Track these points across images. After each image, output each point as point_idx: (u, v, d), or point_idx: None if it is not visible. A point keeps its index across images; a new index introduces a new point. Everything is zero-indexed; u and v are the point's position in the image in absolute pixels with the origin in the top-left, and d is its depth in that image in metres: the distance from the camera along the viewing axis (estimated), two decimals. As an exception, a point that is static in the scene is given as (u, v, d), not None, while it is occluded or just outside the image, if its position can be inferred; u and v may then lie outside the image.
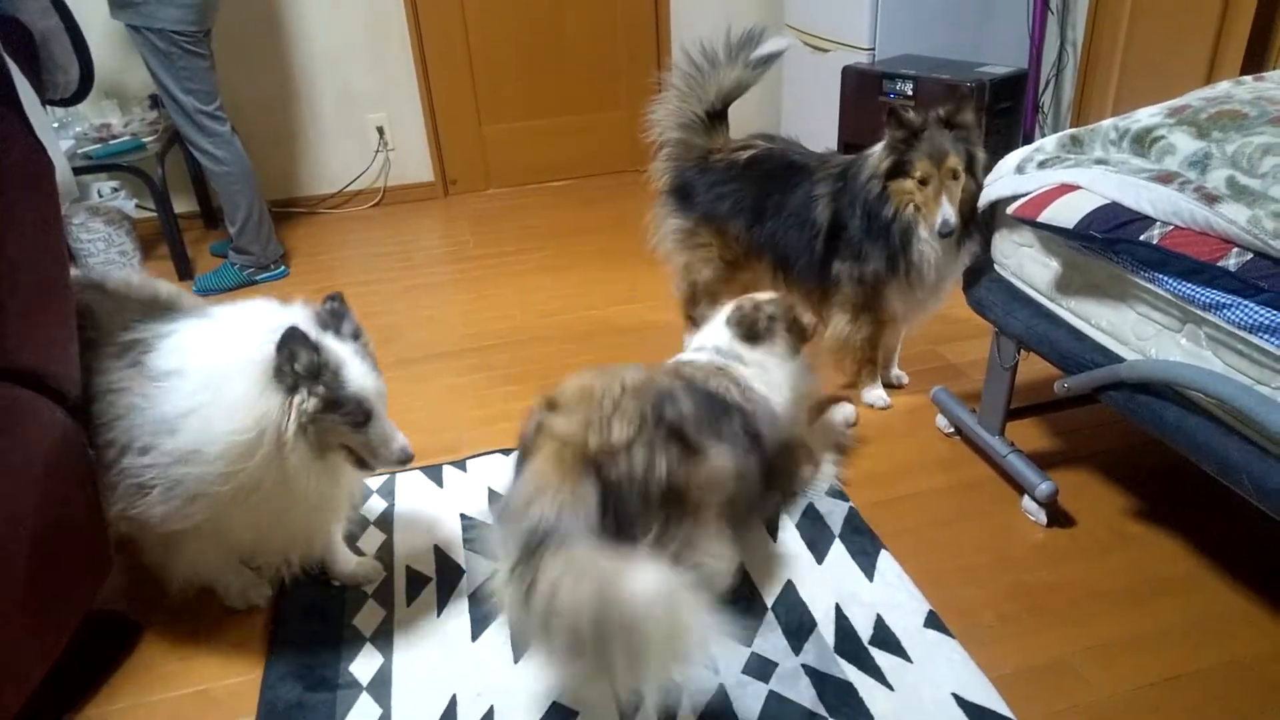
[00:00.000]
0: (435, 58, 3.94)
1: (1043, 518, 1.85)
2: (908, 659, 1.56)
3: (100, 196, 3.70)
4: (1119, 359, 1.56)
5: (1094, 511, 1.88)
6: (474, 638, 1.66)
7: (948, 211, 1.94)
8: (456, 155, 4.16)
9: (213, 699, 1.55)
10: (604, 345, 2.73)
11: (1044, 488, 1.82)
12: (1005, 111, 3.00)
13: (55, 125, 3.31)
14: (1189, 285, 1.37)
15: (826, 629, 1.63)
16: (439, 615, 1.71)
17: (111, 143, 3.31)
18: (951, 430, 2.15)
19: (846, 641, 1.60)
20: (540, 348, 2.73)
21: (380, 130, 4.01)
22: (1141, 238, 1.43)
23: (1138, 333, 1.52)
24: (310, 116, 3.93)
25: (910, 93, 3.03)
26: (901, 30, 3.38)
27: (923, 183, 1.97)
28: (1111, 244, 1.49)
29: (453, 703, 1.52)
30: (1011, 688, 1.48)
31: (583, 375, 1.44)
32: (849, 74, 3.26)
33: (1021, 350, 1.86)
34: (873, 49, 3.40)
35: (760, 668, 1.55)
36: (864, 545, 1.82)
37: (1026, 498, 1.88)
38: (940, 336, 2.63)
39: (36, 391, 1.41)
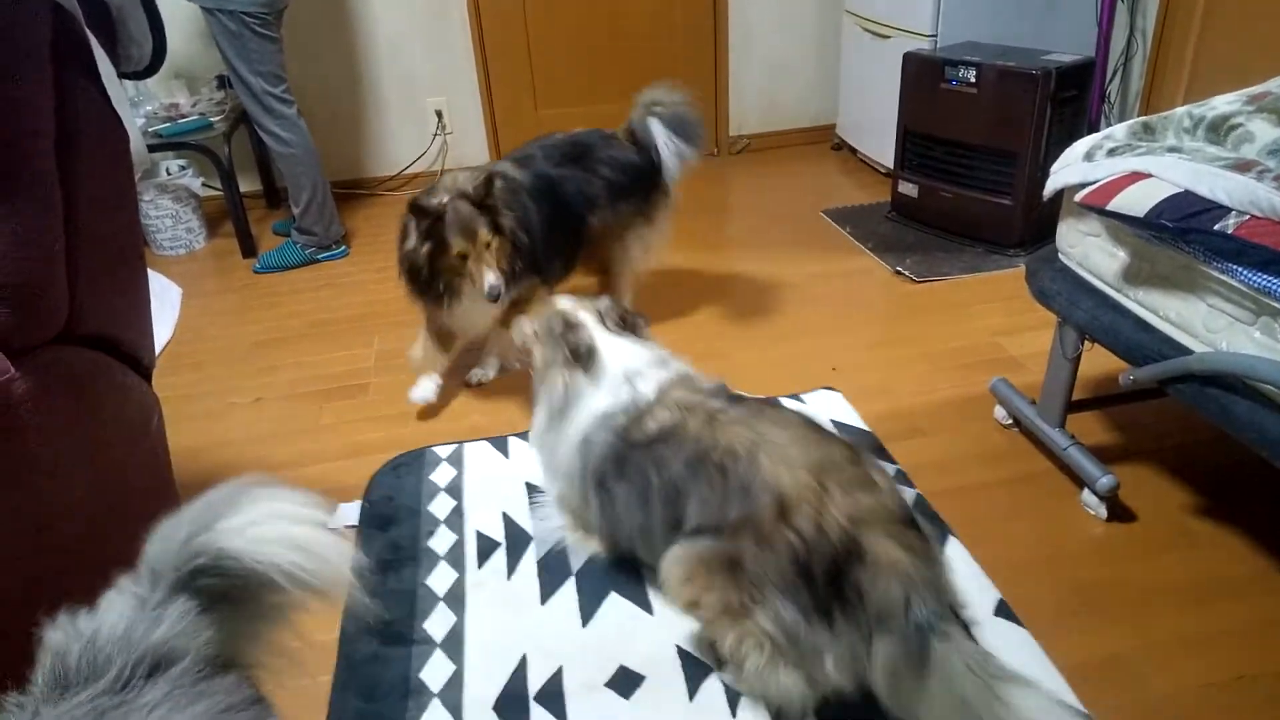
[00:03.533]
0: (494, 42, 3.97)
1: (1103, 512, 1.82)
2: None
3: (168, 174, 3.80)
4: (1188, 351, 1.52)
5: (1156, 507, 1.84)
6: (543, 600, 1.70)
7: (491, 279, 2.09)
8: (513, 139, 4.18)
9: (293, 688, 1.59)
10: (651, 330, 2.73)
11: (1105, 481, 1.78)
12: (1070, 101, 2.93)
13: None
14: (1265, 276, 1.34)
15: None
16: (509, 578, 1.76)
17: (180, 121, 3.39)
18: (1010, 422, 2.12)
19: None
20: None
21: (439, 114, 4.05)
22: (1216, 227, 1.40)
23: (1208, 325, 1.49)
24: (372, 100, 3.99)
25: (973, 80, 2.98)
26: (965, 17, 3.32)
27: (462, 257, 2.10)
28: (1183, 233, 1.45)
29: (523, 662, 1.57)
30: (1068, 682, 1.45)
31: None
32: (910, 61, 3.22)
33: (1085, 342, 1.83)
34: (935, 36, 3.35)
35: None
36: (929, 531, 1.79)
37: (1086, 491, 1.85)
38: (1000, 328, 2.59)
39: (111, 357, 1.46)
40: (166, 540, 0.91)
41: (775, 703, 1.40)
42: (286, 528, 0.94)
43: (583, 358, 1.65)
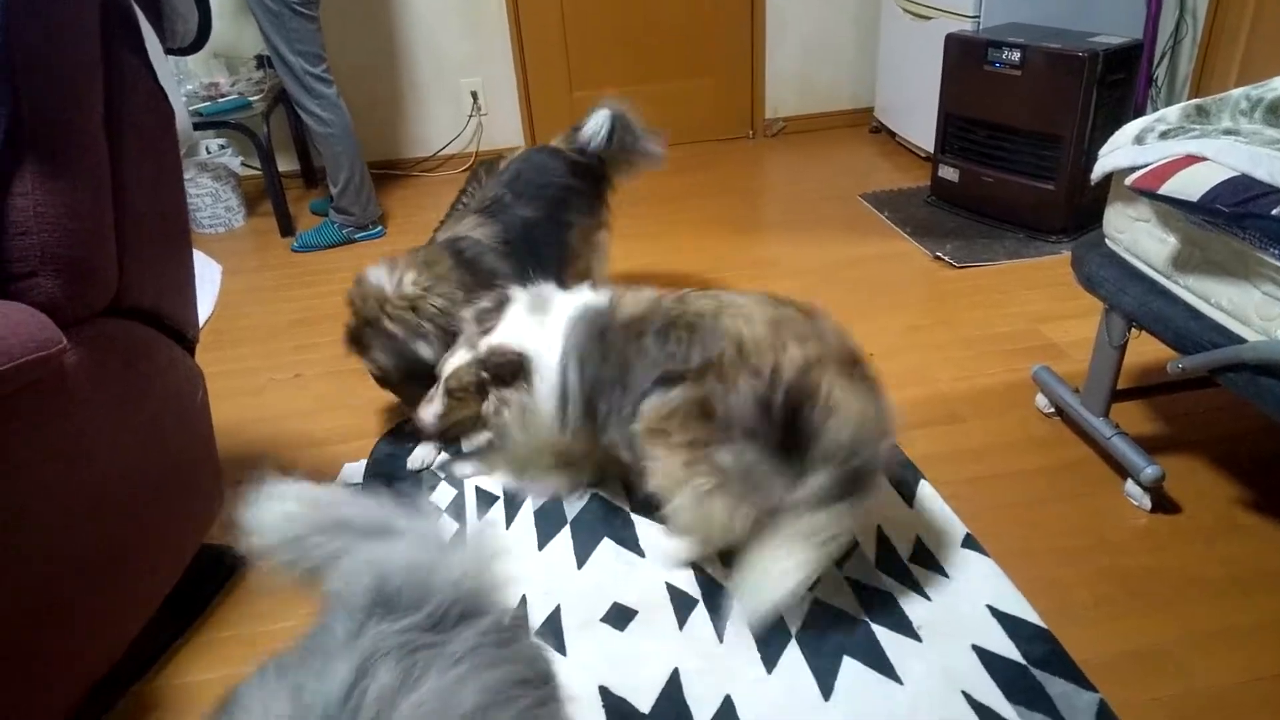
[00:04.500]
0: (529, 23, 3.96)
1: (1146, 503, 1.79)
2: (945, 575, 1.65)
3: (208, 153, 3.84)
4: (1240, 340, 1.49)
5: (1201, 499, 1.81)
6: (540, 547, 1.80)
7: (427, 414, 1.82)
8: (547, 121, 4.18)
9: (313, 634, 1.62)
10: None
11: (1150, 471, 1.75)
12: (1117, 84, 2.87)
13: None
14: (1325, 263, 1.30)
15: (868, 547, 1.73)
16: (508, 528, 1.87)
17: (220, 101, 3.42)
18: (1052, 410, 2.09)
19: (886, 558, 1.70)
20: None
21: (474, 95, 4.05)
22: (1274, 212, 1.36)
23: (1262, 312, 1.45)
24: (408, 81, 4.00)
25: (1017, 61, 2.92)
26: (1009, -2, 3.26)
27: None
28: (1239, 219, 1.42)
29: (523, 601, 1.66)
30: (1108, 671, 1.44)
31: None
32: (952, 43, 3.16)
33: (1131, 329, 1.80)
34: (977, 17, 3.28)
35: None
36: (905, 475, 1.92)
37: (1129, 481, 1.82)
38: (1042, 315, 2.55)
39: (157, 330, 1.48)
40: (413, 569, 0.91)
41: (696, 530, 1.62)
42: None
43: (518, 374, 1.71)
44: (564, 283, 2.40)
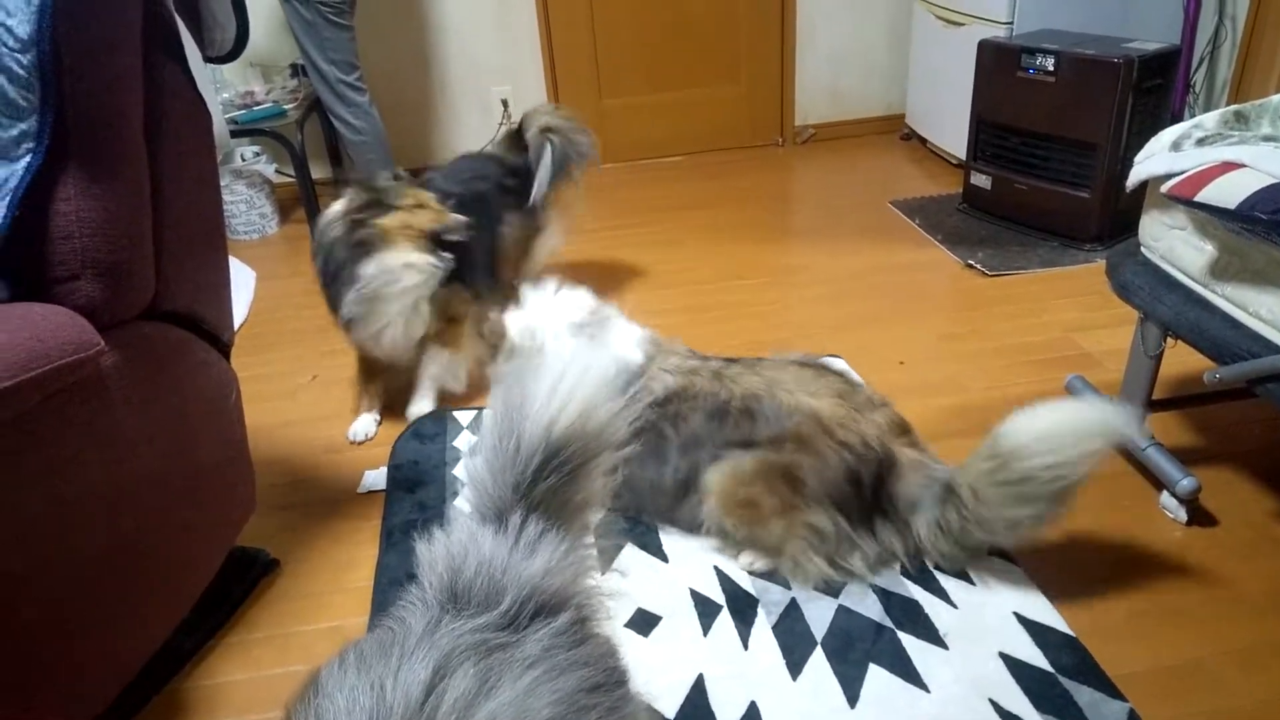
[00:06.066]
0: (560, 31, 3.99)
1: (1182, 515, 1.75)
2: (971, 582, 1.65)
3: (243, 160, 3.90)
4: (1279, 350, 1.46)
5: (1239, 512, 1.78)
6: None
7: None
8: (577, 128, 4.20)
9: (345, 635, 1.63)
10: (710, 319, 2.73)
11: (1185, 483, 1.72)
12: (1153, 90, 2.83)
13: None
14: (1369, 271, 1.28)
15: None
16: None
17: (255, 109, 3.47)
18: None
19: (912, 565, 1.68)
20: (647, 320, 2.74)
21: (504, 102, 4.08)
22: (1315, 220, 1.33)
23: (1303, 322, 1.43)
24: (439, 88, 4.04)
25: (1051, 68, 2.89)
26: (1042, 4, 3.23)
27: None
28: (1278, 226, 1.39)
29: None
30: (1143, 686, 1.42)
31: None
32: (985, 49, 3.14)
33: (1167, 339, 1.77)
34: (1011, 23, 3.26)
35: (828, 585, 1.66)
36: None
37: (1165, 494, 1.79)
38: (1076, 324, 2.52)
39: (193, 333, 1.50)
40: (496, 460, 0.92)
41: (802, 581, 1.65)
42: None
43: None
44: (495, 276, 2.50)
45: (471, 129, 4.12)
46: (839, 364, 2.31)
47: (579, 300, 1.87)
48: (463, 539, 0.88)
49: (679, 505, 1.75)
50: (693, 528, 1.77)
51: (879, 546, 1.63)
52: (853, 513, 1.61)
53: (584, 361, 0.95)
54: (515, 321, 1.85)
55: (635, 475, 1.73)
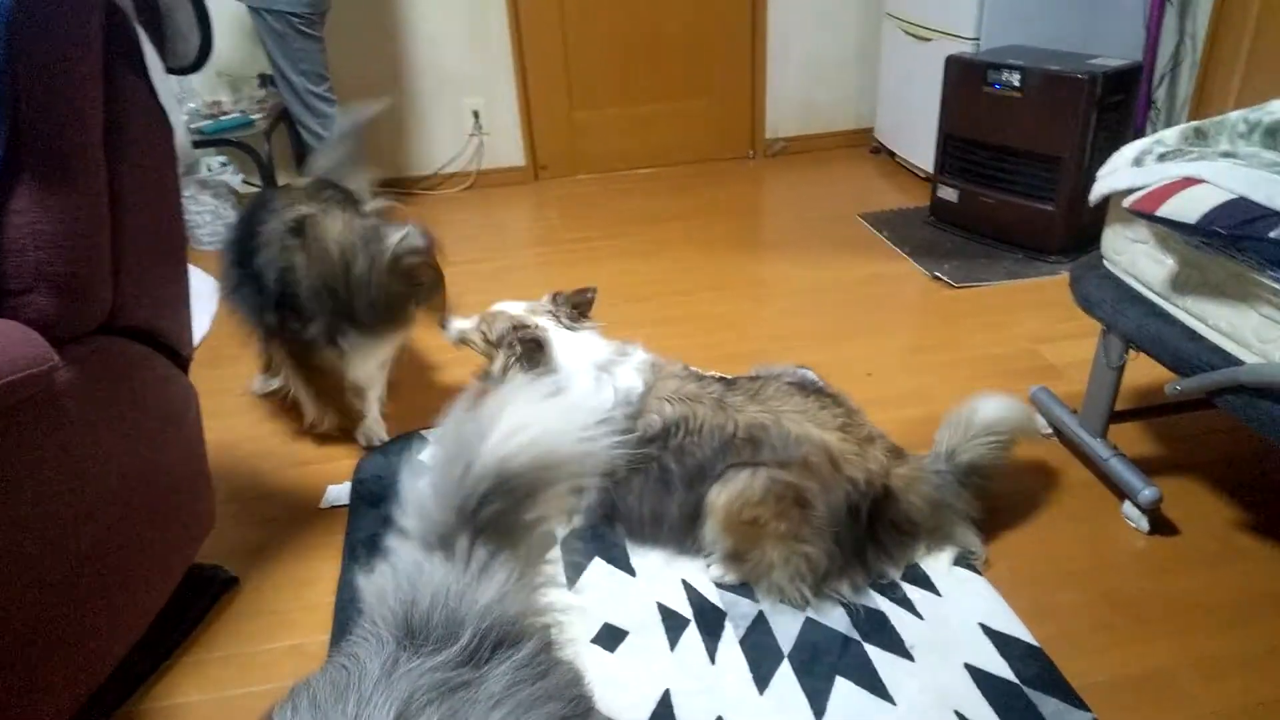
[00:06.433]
0: (531, 43, 3.98)
1: (1144, 525, 1.77)
2: (937, 593, 1.66)
3: (209, 171, 3.85)
4: (1238, 362, 1.48)
5: (1200, 521, 1.80)
6: None
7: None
8: (548, 140, 4.20)
9: (306, 653, 1.60)
10: (683, 332, 2.73)
11: (1147, 493, 1.74)
12: (1116, 106, 2.88)
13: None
14: (1322, 285, 1.30)
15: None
16: None
17: (222, 119, 3.44)
18: (1050, 431, 2.08)
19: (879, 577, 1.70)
20: (624, 330, 2.74)
21: (476, 114, 4.07)
22: (1271, 235, 1.36)
23: (1260, 335, 1.45)
24: (410, 99, 4.01)
25: (1017, 83, 2.93)
26: (1009, 20, 3.28)
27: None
28: (1236, 241, 1.41)
29: None
30: (1107, 696, 1.43)
31: None
32: (952, 64, 3.17)
33: (1129, 351, 1.79)
34: (977, 39, 3.30)
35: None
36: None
37: (1128, 504, 1.80)
38: (1041, 335, 2.55)
39: (151, 348, 1.47)
40: (442, 483, 0.89)
41: (777, 602, 1.65)
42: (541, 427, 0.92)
43: (536, 357, 1.78)
44: None
45: (443, 141, 4.11)
46: (808, 374, 2.32)
47: (601, 342, 1.88)
48: (408, 569, 0.85)
49: (687, 537, 1.73)
50: (699, 553, 1.75)
51: (868, 573, 1.66)
52: (848, 544, 1.62)
53: (548, 390, 0.94)
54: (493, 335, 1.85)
55: (637, 509, 1.74)
